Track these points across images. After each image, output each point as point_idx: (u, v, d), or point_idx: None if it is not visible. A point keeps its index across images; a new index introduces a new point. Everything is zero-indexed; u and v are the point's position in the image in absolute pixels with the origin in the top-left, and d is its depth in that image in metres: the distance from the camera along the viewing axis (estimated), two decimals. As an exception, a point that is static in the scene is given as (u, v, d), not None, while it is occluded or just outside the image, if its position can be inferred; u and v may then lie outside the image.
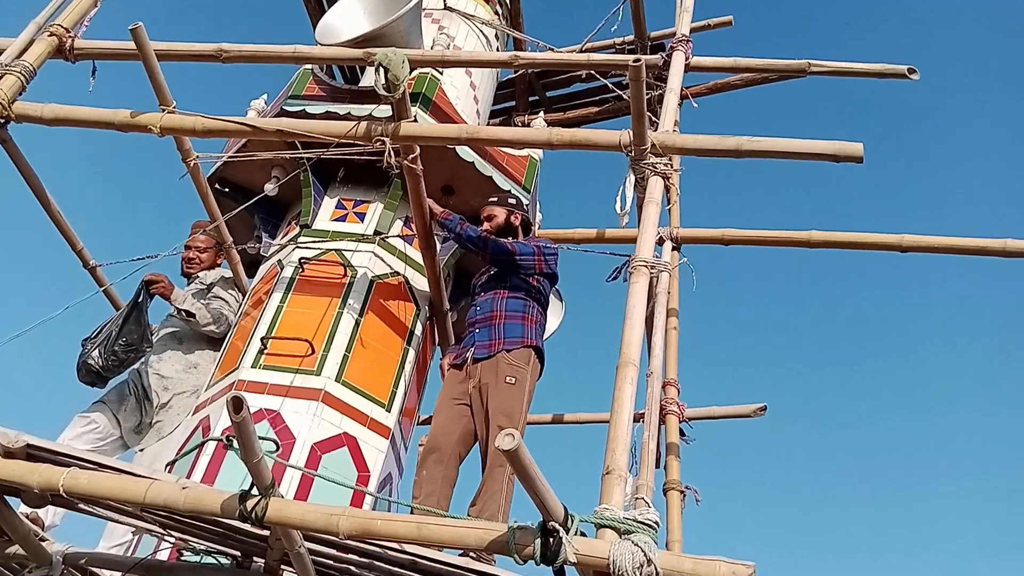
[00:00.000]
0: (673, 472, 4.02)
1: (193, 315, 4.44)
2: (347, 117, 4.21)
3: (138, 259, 4.54)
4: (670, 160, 3.60)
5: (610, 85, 5.95)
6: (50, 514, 3.66)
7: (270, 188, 4.45)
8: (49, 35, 3.95)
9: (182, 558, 3.23)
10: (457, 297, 4.82)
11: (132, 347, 4.20)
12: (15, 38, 3.95)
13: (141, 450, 4.20)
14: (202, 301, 4.56)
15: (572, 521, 2.24)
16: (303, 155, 4.06)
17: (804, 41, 15.73)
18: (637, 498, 2.62)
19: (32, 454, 2.66)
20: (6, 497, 2.95)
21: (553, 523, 2.20)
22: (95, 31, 4.17)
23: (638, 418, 3.06)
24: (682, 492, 3.97)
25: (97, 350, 4.13)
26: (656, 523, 2.40)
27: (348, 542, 2.59)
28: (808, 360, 16.30)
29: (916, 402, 15.46)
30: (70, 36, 3.98)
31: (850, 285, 16.40)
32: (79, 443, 3.99)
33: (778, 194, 16.03)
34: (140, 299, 4.32)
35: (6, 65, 3.77)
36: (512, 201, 4.47)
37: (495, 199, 4.45)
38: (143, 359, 4.36)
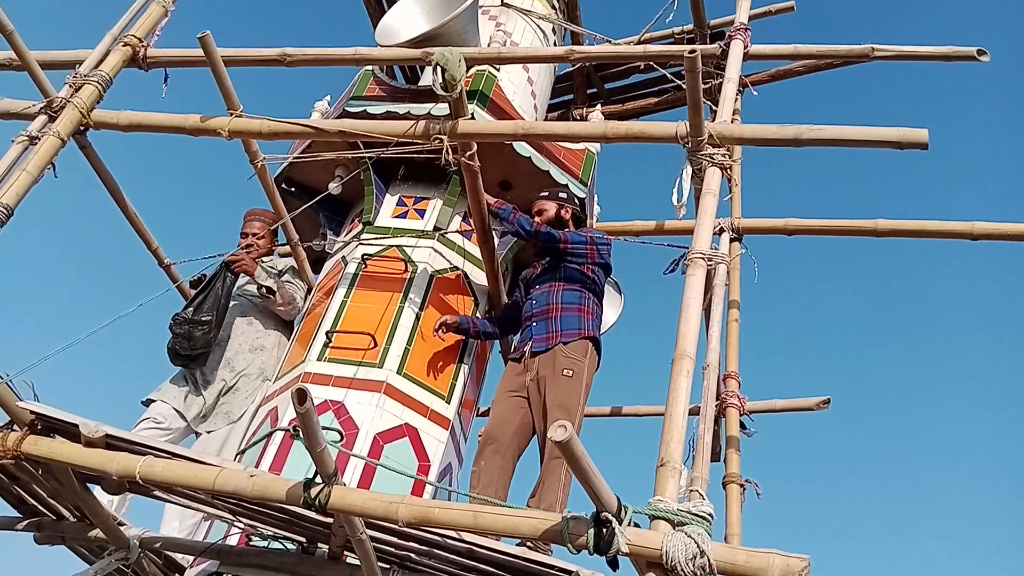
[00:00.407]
0: (733, 465, 3.99)
1: (274, 292, 4.54)
2: (407, 116, 4.29)
3: (209, 257, 4.75)
4: (729, 151, 3.57)
5: (669, 75, 5.92)
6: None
7: (334, 187, 4.56)
8: (124, 45, 4.13)
9: (251, 543, 3.36)
10: (515, 290, 4.86)
11: (202, 325, 4.33)
12: (93, 49, 4.14)
13: (209, 432, 4.28)
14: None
15: (626, 512, 2.27)
16: (365, 155, 4.15)
17: (868, 20, 15.19)
18: (692, 490, 2.62)
19: (111, 444, 2.82)
20: (87, 484, 3.14)
21: (606, 514, 2.23)
22: (165, 39, 4.34)
23: (696, 411, 3.06)
24: (742, 486, 3.94)
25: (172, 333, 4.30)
26: (710, 515, 2.40)
27: (407, 529, 2.67)
28: (874, 352, 15.81)
29: (986, 396, 14.83)
30: (143, 46, 4.15)
31: (919, 274, 15.81)
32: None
33: (844, 180, 15.57)
34: (219, 282, 4.42)
35: (85, 75, 3.96)
36: (563, 195, 4.49)
37: (546, 193, 4.48)
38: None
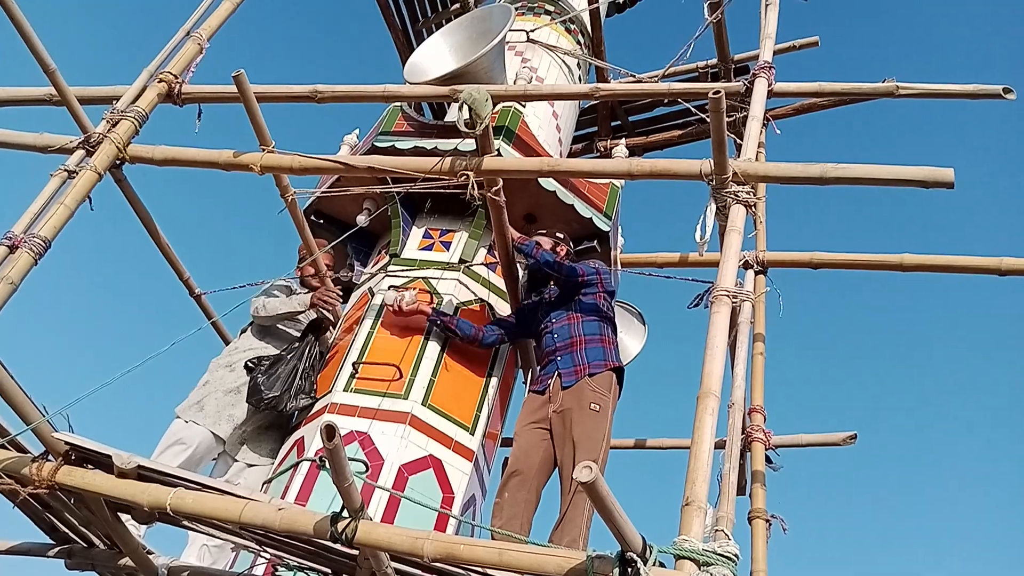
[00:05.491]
0: (758, 500, 3.95)
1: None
2: (434, 151, 4.37)
3: (239, 287, 4.84)
4: (753, 188, 3.58)
5: (692, 109, 5.96)
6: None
7: (362, 220, 4.62)
8: (159, 82, 4.22)
9: (277, 573, 3.39)
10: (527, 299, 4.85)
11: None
12: (129, 86, 4.25)
13: (250, 465, 4.27)
14: None
15: (651, 552, 2.27)
16: (393, 189, 4.22)
17: (893, 53, 15.14)
18: (717, 530, 2.63)
19: (143, 475, 2.87)
20: (118, 513, 3.19)
21: (631, 553, 2.24)
22: (199, 76, 4.44)
23: (721, 445, 3.05)
24: (767, 521, 3.91)
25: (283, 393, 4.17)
26: (736, 556, 2.40)
27: (433, 564, 2.68)
28: (901, 387, 15.58)
29: (1016, 431, 14.49)
30: (178, 82, 4.24)
31: (946, 310, 15.57)
32: (168, 457, 4.07)
33: (870, 214, 15.44)
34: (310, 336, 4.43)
35: (122, 111, 4.04)
36: (560, 235, 4.57)
37: (543, 231, 4.57)
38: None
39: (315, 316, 4.59)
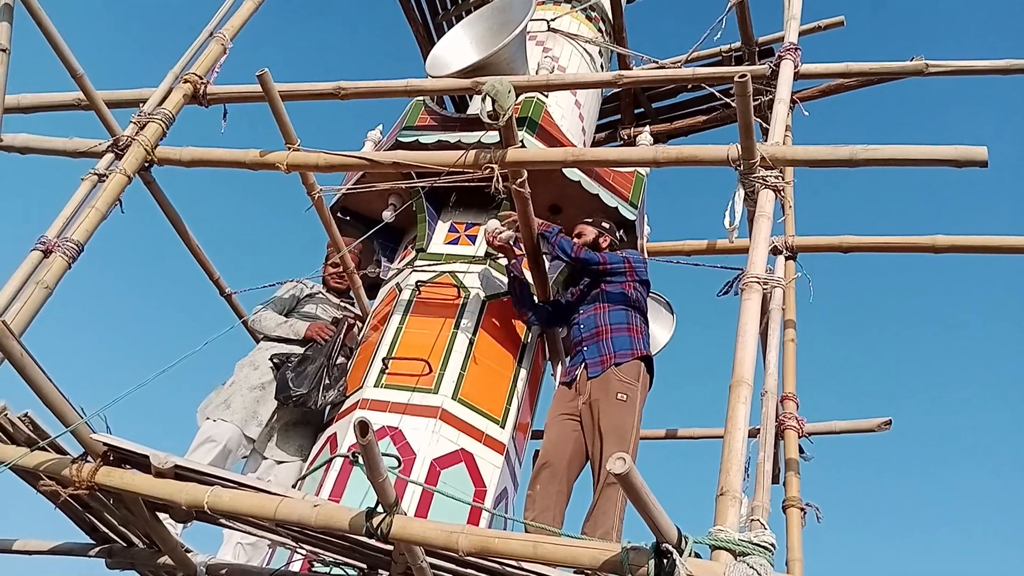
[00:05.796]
0: (793, 489, 3.92)
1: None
2: (458, 144, 4.36)
3: (269, 285, 4.87)
4: (781, 172, 3.53)
5: (717, 93, 5.88)
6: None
7: (388, 216, 4.64)
8: (185, 83, 4.25)
9: (313, 569, 3.42)
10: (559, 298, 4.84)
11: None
12: (156, 88, 4.29)
13: (279, 462, 4.31)
14: None
15: (686, 543, 2.26)
16: (418, 184, 4.22)
17: (921, 31, 14.83)
18: (752, 519, 2.61)
19: (180, 474, 2.90)
20: (156, 512, 3.23)
21: (667, 544, 2.23)
22: (224, 76, 4.46)
23: (754, 433, 3.02)
24: (802, 509, 3.87)
25: (311, 391, 4.18)
26: (772, 545, 2.38)
27: (468, 558, 2.69)
28: (935, 371, 15.33)
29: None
30: (203, 83, 4.26)
31: (980, 292, 15.27)
32: (199, 455, 4.10)
33: (901, 195, 15.19)
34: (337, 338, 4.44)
35: (149, 114, 4.08)
36: (605, 225, 4.54)
37: (589, 220, 4.53)
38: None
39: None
